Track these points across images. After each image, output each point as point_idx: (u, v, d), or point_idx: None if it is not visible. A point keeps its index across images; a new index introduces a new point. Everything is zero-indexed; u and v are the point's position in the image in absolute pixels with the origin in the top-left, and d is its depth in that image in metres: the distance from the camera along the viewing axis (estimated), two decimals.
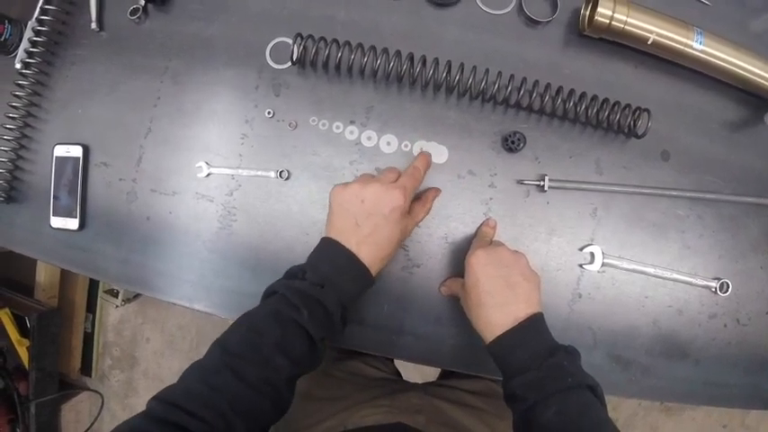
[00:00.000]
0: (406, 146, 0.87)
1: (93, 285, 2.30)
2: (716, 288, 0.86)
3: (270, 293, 0.70)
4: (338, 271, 0.70)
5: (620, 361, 0.86)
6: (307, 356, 0.67)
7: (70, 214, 0.92)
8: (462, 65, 0.82)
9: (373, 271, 0.72)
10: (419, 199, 0.83)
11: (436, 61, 0.82)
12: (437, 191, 0.85)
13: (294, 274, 0.71)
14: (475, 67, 0.83)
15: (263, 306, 0.70)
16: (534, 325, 0.68)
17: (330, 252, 0.72)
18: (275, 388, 0.63)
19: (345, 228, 0.72)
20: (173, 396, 0.58)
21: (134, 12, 0.92)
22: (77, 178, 0.91)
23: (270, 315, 0.66)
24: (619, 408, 2.22)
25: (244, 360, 0.62)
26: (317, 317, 0.67)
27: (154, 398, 0.58)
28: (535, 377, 0.64)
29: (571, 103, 0.82)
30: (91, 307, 2.33)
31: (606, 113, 0.82)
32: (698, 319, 0.87)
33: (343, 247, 0.71)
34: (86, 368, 2.38)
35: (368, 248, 0.71)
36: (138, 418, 0.56)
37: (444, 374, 1.26)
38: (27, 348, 1.92)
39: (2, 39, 0.90)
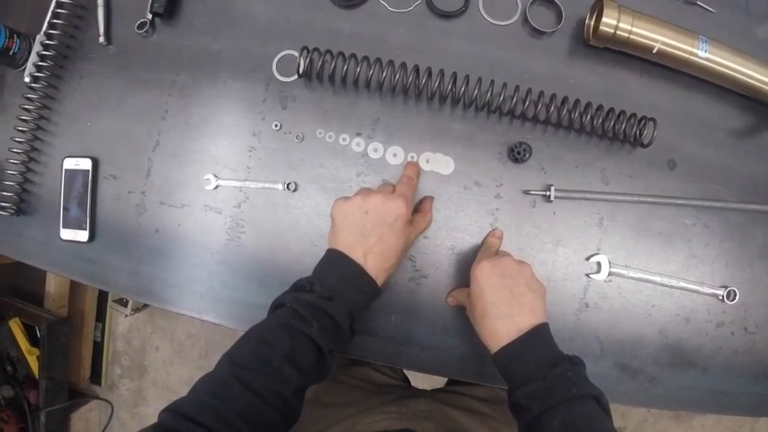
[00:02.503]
0: (412, 157, 0.87)
1: (103, 295, 2.30)
2: (723, 296, 0.86)
3: (278, 306, 0.71)
4: (346, 283, 0.71)
5: (627, 370, 0.86)
6: (315, 368, 0.67)
7: (80, 226, 0.93)
8: (468, 76, 0.83)
9: (379, 281, 0.73)
10: (418, 211, 0.83)
11: (442, 73, 0.83)
12: (431, 199, 0.86)
13: (302, 286, 0.71)
14: (480, 79, 0.83)
15: (271, 318, 0.70)
16: (539, 335, 0.68)
17: (337, 264, 0.72)
18: (284, 399, 0.63)
19: (352, 239, 0.72)
20: (183, 408, 0.58)
21: (141, 26, 0.93)
22: (87, 191, 0.92)
23: (279, 327, 0.66)
24: (628, 415, 2.21)
25: (253, 372, 0.62)
26: (326, 329, 0.67)
27: (165, 409, 0.59)
28: (540, 387, 0.64)
29: (576, 113, 0.82)
30: (100, 316, 2.34)
31: (612, 123, 0.82)
32: (705, 328, 0.87)
33: (351, 258, 0.71)
34: (96, 377, 2.38)
35: (374, 258, 0.72)
36: (149, 429, 0.56)
37: (452, 381, 1.26)
38: (37, 357, 1.93)
39: (11, 53, 0.92)
